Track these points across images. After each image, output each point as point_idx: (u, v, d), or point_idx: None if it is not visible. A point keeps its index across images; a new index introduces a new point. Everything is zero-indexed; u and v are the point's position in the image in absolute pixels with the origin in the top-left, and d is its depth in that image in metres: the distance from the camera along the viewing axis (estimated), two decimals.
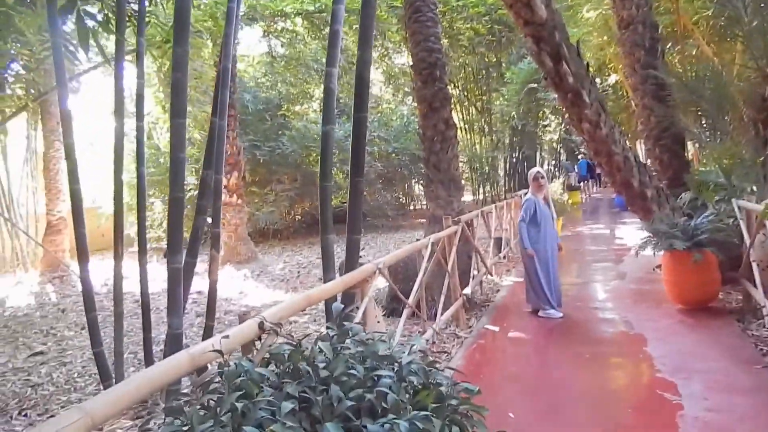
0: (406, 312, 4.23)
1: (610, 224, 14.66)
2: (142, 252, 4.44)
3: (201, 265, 11.87)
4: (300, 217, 17.85)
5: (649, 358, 4.49)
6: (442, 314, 5.13)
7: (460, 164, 23.68)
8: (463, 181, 25.38)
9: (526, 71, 18.80)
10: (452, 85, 22.60)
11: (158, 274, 5.99)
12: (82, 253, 4.35)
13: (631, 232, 12.07)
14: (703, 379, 3.95)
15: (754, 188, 6.29)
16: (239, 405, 1.53)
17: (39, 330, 7.11)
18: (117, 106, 4.57)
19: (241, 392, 1.74)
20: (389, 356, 1.88)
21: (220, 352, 1.78)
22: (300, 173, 16.84)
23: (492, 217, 8.94)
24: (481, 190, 22.75)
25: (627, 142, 8.15)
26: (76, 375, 5.03)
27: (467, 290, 6.12)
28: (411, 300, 4.30)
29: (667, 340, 4.87)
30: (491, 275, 7.81)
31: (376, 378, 1.77)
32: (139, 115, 4.84)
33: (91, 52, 12.26)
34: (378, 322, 3.80)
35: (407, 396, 1.76)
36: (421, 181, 17.16)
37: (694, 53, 11.80)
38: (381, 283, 6.98)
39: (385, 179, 18.41)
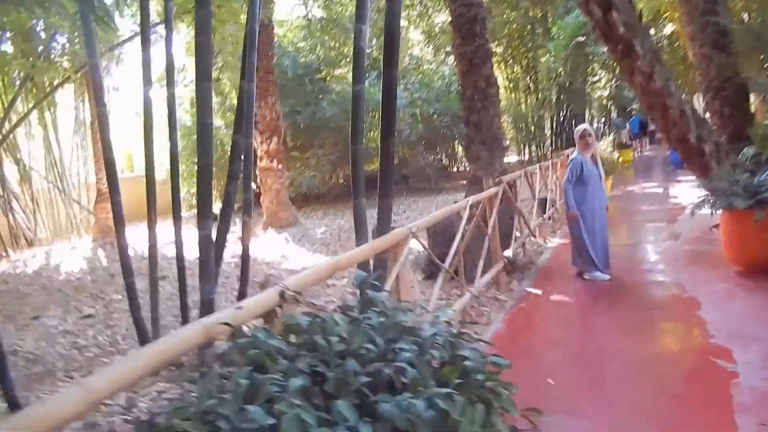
0: (441, 276, 4.10)
1: (663, 183, 13.98)
2: (177, 218, 4.44)
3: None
4: (342, 181, 17.80)
5: (702, 323, 4.22)
6: (481, 277, 4.97)
7: (505, 124, 23.14)
8: (507, 141, 24.80)
9: (573, 25, 17.87)
10: (496, 42, 21.81)
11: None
12: (118, 221, 4.40)
13: (687, 190, 11.46)
14: (762, 346, 3.67)
15: None
16: (244, 382, 1.44)
17: (89, 294, 7.36)
18: (144, 74, 4.53)
19: (255, 365, 1.67)
20: (411, 328, 1.76)
21: (228, 324, 1.70)
22: (341, 137, 16.69)
23: (536, 178, 8.61)
24: (526, 150, 22.12)
25: (684, 95, 7.61)
26: (120, 338, 5.17)
27: (508, 252, 5.92)
28: (447, 264, 4.15)
29: (722, 305, 4.58)
30: (534, 237, 7.56)
31: (397, 351, 1.66)
32: (170, 82, 4.80)
33: (133, 20, 12.39)
34: (412, 287, 3.69)
35: (430, 371, 1.63)
36: (463, 142, 16.77)
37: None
38: (418, 245, 6.89)
39: (427, 141, 18.08)
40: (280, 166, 12.28)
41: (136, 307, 4.30)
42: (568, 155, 9.47)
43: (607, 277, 5.61)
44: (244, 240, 4.23)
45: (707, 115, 8.01)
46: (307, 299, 2.72)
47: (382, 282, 3.24)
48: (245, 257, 4.22)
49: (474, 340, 1.91)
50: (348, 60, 21.56)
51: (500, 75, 23.48)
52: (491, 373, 1.71)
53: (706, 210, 5.68)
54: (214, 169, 13.72)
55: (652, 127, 21.47)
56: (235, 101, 16.75)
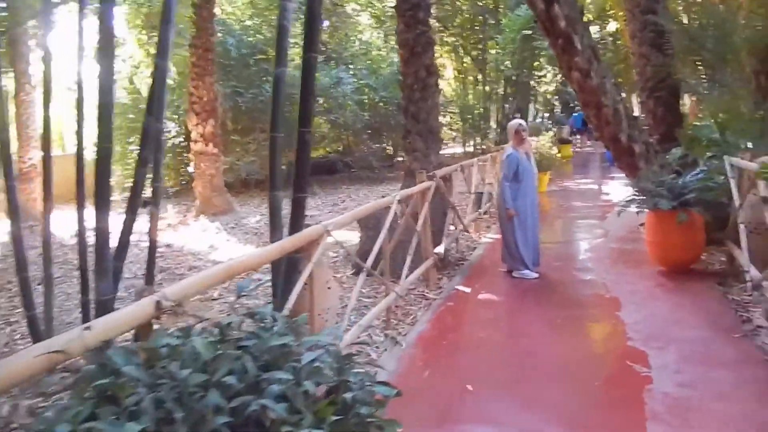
0: (362, 276, 3.91)
1: (598, 179, 14.35)
2: (80, 205, 4.07)
3: (177, 217, 11.55)
4: (283, 167, 17.36)
5: (622, 325, 4.23)
6: (408, 276, 4.82)
7: (452, 115, 23.07)
8: (454, 133, 24.78)
9: (522, 18, 18.00)
10: (447, 32, 21.75)
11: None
12: (12, 209, 3.99)
13: (618, 187, 11.77)
14: (678, 348, 3.70)
15: (749, 145, 5.92)
16: (65, 428, 1.21)
17: None
18: (42, 49, 4.10)
19: (108, 396, 1.43)
20: (291, 352, 1.55)
21: (60, 351, 1.45)
22: (283, 122, 16.24)
23: (473, 172, 8.55)
24: (471, 142, 22.26)
25: (623, 94, 7.71)
26: (18, 337, 4.75)
27: (440, 249, 5.81)
28: (370, 262, 3.96)
29: (643, 305, 4.62)
30: (468, 232, 7.50)
31: (269, 381, 1.46)
32: (80, 57, 4.38)
33: None
34: (329, 288, 3.50)
35: (308, 404, 1.44)
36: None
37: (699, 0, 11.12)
38: (354, 238, 6.72)
39: (373, 130, 17.84)
40: (215, 150, 11.77)
41: (29, 304, 3.92)
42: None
43: (536, 275, 5.59)
44: (151, 234, 3.91)
45: (642, 115, 8.15)
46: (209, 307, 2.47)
47: (288, 285, 3.03)
48: (152, 253, 3.90)
49: (364, 364, 1.72)
50: (294, 41, 20.94)
51: (450, 65, 23.49)
52: (378, 403, 1.53)
53: (633, 209, 5.76)
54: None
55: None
56: (172, 81, 16.01)
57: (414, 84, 6.70)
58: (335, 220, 3.40)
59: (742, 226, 4.50)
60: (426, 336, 4.28)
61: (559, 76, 25.56)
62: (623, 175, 8.92)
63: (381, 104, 17.19)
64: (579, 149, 23.58)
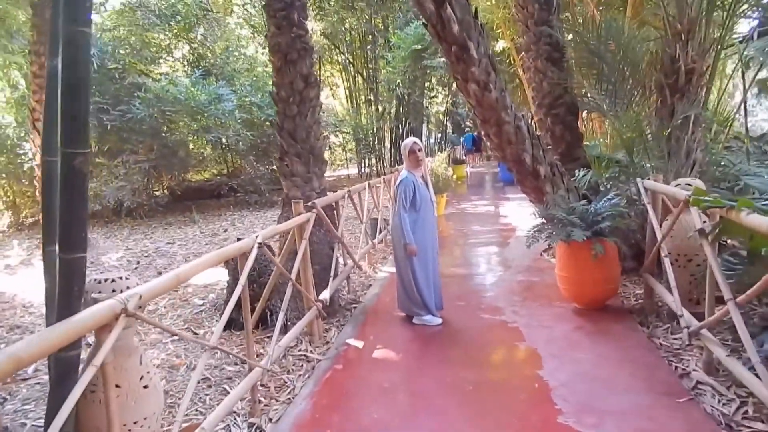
0: (204, 356, 2.75)
1: (494, 200, 14.08)
2: None
3: (21, 255, 9.60)
4: (158, 193, 15.58)
5: (546, 389, 3.43)
6: (280, 338, 3.74)
7: (345, 134, 22.35)
8: (349, 154, 24.15)
9: (412, 36, 17.79)
10: (337, 50, 21.09)
11: None
12: None
13: (516, 208, 11.48)
14: (619, 426, 2.92)
15: (649, 165, 5.51)
16: None
17: None
18: None
19: None
20: None
21: None
22: (157, 142, 14.57)
23: (364, 197, 7.61)
24: (366, 163, 21.64)
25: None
26: None
27: (325, 294, 4.76)
28: (215, 337, 2.82)
29: (565, 359, 3.87)
30: (361, 268, 6.51)
31: None
32: None
33: None
34: (145, 387, 2.34)
35: None
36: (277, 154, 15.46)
37: (582, 21, 11.15)
38: (222, 278, 5.54)
39: (260, 150, 16.54)
40: None
41: None
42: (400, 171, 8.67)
43: (439, 320, 4.74)
44: None
45: (540, 133, 7.71)
46: None
47: (59, 400, 1.86)
48: None
49: None
50: (166, 53, 19.10)
51: (342, 84, 22.85)
52: None
53: (542, 240, 5.10)
54: (3, 175, 11.02)
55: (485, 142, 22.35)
56: (30, 92, 13.82)
57: (290, 96, 5.69)
58: (147, 288, 2.24)
59: (667, 261, 3.90)
60: (305, 422, 3.21)
61: (450, 96, 25.86)
62: (520, 195, 8.46)
63: (268, 123, 15.97)
64: (472, 169, 23.77)
